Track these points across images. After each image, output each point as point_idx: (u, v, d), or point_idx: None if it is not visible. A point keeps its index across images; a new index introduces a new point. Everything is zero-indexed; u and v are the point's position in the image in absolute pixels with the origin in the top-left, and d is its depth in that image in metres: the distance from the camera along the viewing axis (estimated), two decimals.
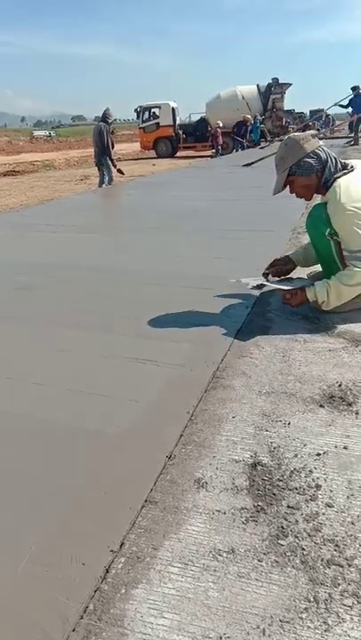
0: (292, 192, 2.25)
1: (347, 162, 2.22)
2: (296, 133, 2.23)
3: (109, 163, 8.76)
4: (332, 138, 19.60)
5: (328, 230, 2.15)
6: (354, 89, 14.14)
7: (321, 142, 2.20)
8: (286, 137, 2.27)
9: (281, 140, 2.60)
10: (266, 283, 2.49)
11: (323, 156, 2.14)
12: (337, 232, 2.12)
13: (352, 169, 2.16)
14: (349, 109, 14.71)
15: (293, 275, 2.60)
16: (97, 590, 0.98)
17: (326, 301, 2.15)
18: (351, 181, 2.10)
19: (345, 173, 2.13)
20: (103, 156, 8.66)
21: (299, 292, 2.21)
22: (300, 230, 3.75)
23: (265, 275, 2.58)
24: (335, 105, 14.47)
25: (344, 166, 2.18)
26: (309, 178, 2.15)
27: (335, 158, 2.17)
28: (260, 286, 2.55)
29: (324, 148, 2.16)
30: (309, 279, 2.51)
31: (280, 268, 2.58)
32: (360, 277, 2.07)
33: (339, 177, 2.12)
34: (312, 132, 2.34)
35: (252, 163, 10.02)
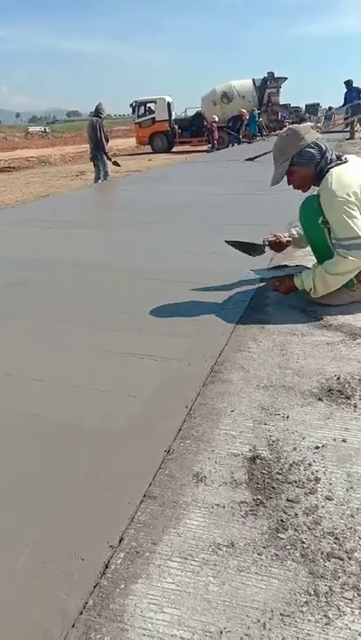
0: (290, 183, 2.29)
1: (341, 155, 2.24)
2: (296, 125, 2.29)
3: (104, 158, 8.73)
4: (329, 132, 19.57)
5: (321, 218, 2.18)
6: (347, 83, 14.10)
7: (319, 135, 2.24)
8: (285, 129, 2.29)
9: (277, 135, 2.63)
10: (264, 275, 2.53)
11: (322, 146, 2.18)
12: (328, 220, 2.15)
13: (346, 160, 2.20)
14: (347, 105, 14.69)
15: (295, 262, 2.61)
16: (96, 586, 0.97)
17: (314, 289, 2.19)
18: (343, 171, 2.14)
19: (338, 164, 2.17)
20: (98, 151, 8.61)
21: (287, 279, 2.30)
22: (297, 224, 3.75)
23: (264, 242, 2.65)
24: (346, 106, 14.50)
25: (338, 158, 2.21)
26: (309, 168, 2.19)
27: (331, 150, 2.21)
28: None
29: (322, 140, 2.20)
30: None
31: (279, 239, 2.64)
32: (343, 266, 2.09)
33: (332, 167, 2.16)
34: (310, 123, 2.35)
35: (255, 157, 9.90)
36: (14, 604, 0.95)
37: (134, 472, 1.28)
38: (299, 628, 0.87)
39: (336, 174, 2.12)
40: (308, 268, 2.42)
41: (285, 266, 2.63)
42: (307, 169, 2.20)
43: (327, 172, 2.15)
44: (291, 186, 2.31)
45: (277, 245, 2.67)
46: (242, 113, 18.63)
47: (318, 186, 2.20)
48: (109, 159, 8.81)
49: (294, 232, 2.66)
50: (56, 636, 0.88)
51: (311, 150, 2.16)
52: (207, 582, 0.97)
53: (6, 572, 1.01)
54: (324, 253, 2.24)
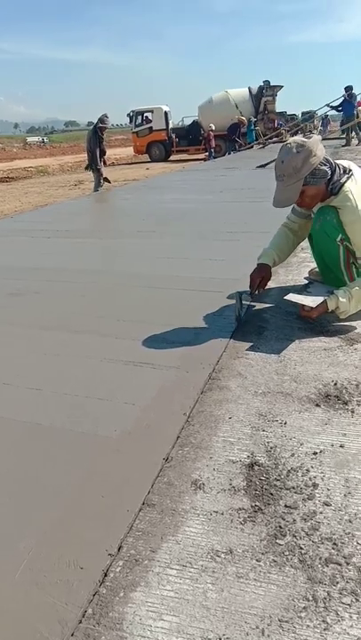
0: (299, 203, 2.17)
1: (340, 162, 2.16)
2: (305, 139, 2.04)
3: (100, 168, 8.76)
4: (326, 139, 19.69)
5: (340, 236, 2.10)
6: (347, 89, 14.16)
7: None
8: (293, 143, 2.05)
9: (274, 143, 2.59)
10: (287, 298, 2.18)
11: (332, 161, 2.07)
12: (349, 238, 2.09)
13: (351, 172, 2.11)
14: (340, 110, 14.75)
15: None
16: (95, 594, 0.98)
17: (346, 311, 2.08)
18: (359, 186, 2.07)
19: (348, 178, 2.08)
20: (95, 161, 8.66)
21: (319, 304, 2.07)
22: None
23: (253, 294, 2.39)
24: (327, 106, 14.48)
25: (343, 169, 2.12)
26: (320, 187, 2.07)
27: (335, 162, 2.12)
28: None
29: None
30: (311, 276, 2.50)
31: (263, 279, 2.38)
32: None
33: (344, 182, 2.07)
34: (319, 137, 2.17)
35: (266, 164, 9.80)
36: (13, 612, 0.95)
37: (133, 480, 1.29)
38: (297, 633, 0.87)
39: (356, 192, 2.03)
40: (321, 285, 2.29)
41: (306, 287, 2.36)
42: (318, 188, 2.07)
43: (340, 187, 2.06)
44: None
45: (266, 282, 2.42)
46: (241, 120, 18.79)
47: (328, 200, 2.11)
48: (100, 174, 8.81)
49: (267, 261, 2.41)
50: None
51: (324, 168, 2.03)
52: (206, 589, 0.97)
53: (5, 580, 1.02)
54: (335, 272, 2.19)
